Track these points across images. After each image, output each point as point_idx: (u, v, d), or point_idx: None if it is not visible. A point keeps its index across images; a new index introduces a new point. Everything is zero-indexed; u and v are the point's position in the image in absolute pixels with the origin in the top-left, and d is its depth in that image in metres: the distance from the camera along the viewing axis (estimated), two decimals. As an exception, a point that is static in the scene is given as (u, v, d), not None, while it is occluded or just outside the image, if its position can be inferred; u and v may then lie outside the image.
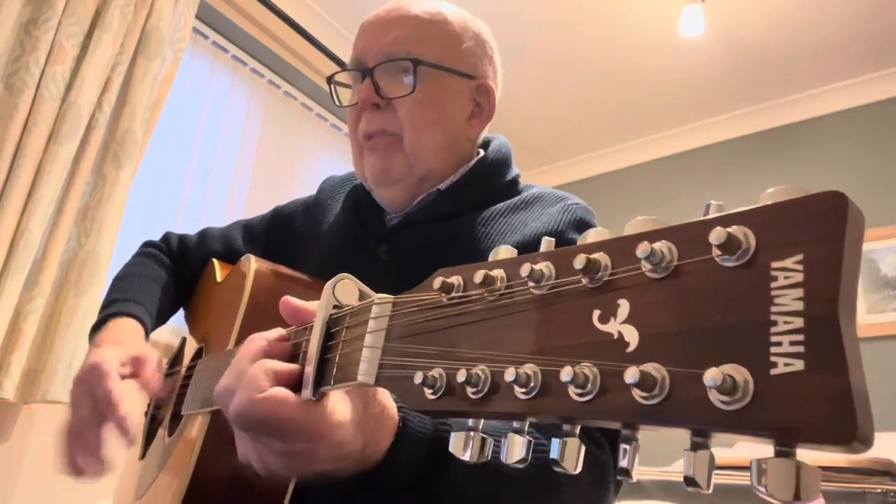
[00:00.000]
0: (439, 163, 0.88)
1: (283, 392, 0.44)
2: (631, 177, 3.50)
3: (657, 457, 1.78)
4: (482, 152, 0.96)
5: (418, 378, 0.34)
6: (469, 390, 0.32)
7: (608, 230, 0.30)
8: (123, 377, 0.80)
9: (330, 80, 0.95)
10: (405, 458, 0.52)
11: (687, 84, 3.02)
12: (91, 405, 0.77)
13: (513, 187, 0.93)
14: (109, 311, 0.94)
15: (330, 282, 0.48)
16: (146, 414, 1.03)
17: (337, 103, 0.95)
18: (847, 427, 0.19)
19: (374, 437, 0.50)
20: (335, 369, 0.44)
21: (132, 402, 0.78)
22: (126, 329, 0.90)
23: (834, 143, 2.89)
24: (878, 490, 1.44)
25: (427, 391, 0.34)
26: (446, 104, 0.88)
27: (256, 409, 0.44)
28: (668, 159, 3.38)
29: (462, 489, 0.57)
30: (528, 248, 0.80)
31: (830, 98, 2.94)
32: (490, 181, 0.92)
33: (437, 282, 0.36)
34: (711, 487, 0.24)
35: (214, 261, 1.04)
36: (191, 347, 0.98)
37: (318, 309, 0.48)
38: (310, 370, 0.45)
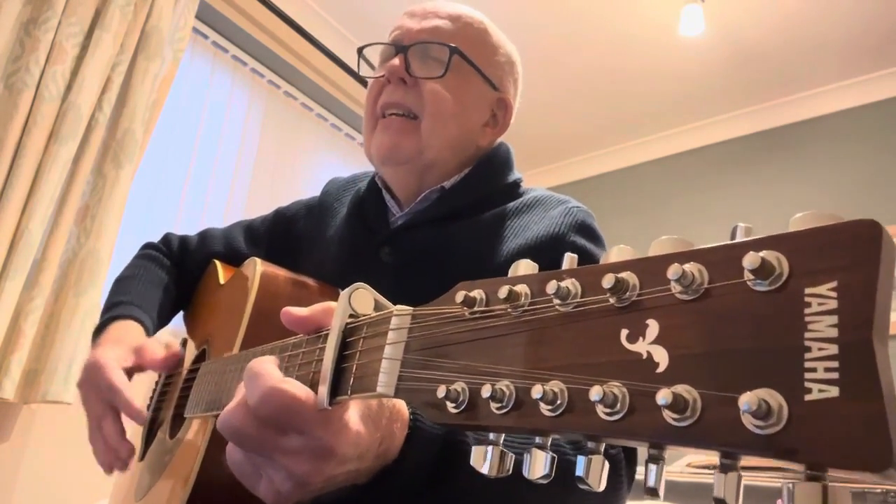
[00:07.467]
0: (448, 155, 0.90)
1: (303, 386, 0.44)
2: (631, 177, 3.50)
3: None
4: None
5: (441, 392, 0.34)
6: (493, 406, 0.32)
7: (629, 247, 0.31)
8: (128, 369, 0.83)
9: (360, 50, 0.98)
10: (422, 448, 0.52)
11: (687, 84, 3.02)
12: (98, 399, 0.80)
13: (514, 190, 0.94)
14: (111, 314, 0.94)
15: (346, 291, 0.48)
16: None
17: (358, 72, 0.98)
18: (882, 454, 0.19)
19: (390, 430, 0.50)
20: (352, 379, 0.44)
21: (132, 389, 0.81)
22: (127, 330, 0.91)
23: (834, 143, 2.90)
24: (879, 490, 1.45)
25: (450, 405, 0.34)
26: (468, 100, 0.90)
27: (280, 391, 0.43)
28: (668, 159, 3.38)
29: (477, 484, 0.57)
30: (530, 251, 0.82)
31: (830, 98, 2.94)
32: (491, 182, 0.93)
33: (460, 295, 0.36)
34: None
35: (217, 262, 1.04)
36: (192, 349, 0.98)
37: (333, 318, 0.48)
38: (326, 378, 0.45)
